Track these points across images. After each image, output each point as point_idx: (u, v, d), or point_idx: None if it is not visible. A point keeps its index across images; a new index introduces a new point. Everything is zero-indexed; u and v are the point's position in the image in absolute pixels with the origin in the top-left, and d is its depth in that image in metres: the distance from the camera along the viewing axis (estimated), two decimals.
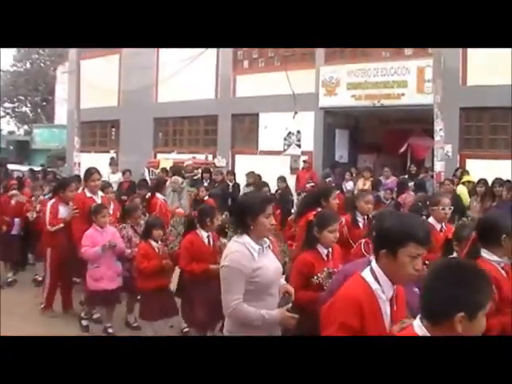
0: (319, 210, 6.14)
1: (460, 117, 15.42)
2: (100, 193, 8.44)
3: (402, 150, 17.98)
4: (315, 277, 4.78)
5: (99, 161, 18.45)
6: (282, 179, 14.58)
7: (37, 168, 20.75)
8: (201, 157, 19.46)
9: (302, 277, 4.91)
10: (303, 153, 17.82)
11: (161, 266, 6.72)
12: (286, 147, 18.24)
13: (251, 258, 3.77)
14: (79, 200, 8.20)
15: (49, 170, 17.42)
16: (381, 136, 19.04)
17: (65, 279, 8.35)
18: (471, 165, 14.69)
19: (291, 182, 16.06)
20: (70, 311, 8.28)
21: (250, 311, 3.71)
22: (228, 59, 19.85)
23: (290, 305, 3.90)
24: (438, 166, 13.90)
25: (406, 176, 15.03)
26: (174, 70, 19.36)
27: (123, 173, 15.99)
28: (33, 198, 10.70)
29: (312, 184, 14.24)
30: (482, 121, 15.52)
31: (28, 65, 43.17)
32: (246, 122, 19.91)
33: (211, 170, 15.21)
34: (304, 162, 17.05)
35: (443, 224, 6.25)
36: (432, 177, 13.66)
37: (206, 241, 6.41)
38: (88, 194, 8.22)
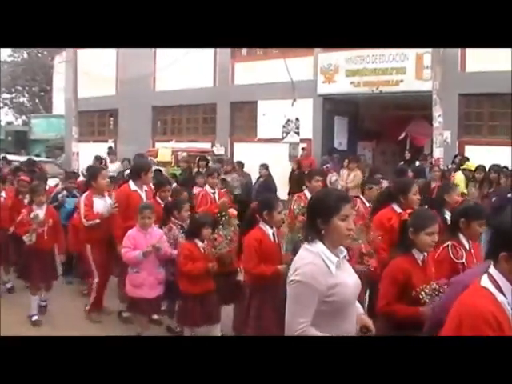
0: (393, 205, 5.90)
1: (459, 103, 15.39)
2: (145, 187, 7.55)
3: (402, 136, 17.95)
4: (422, 293, 4.04)
5: (98, 150, 18.41)
6: (264, 166, 14.53)
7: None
8: (203, 145, 19.38)
9: (397, 286, 4.18)
10: (302, 140, 17.76)
11: (207, 270, 6.08)
12: (284, 135, 18.18)
13: (327, 272, 3.06)
14: (122, 194, 7.43)
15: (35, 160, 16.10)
16: (380, 123, 19.01)
17: (104, 279, 7.50)
18: (470, 151, 14.64)
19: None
20: (100, 312, 7.53)
21: (317, 336, 3.03)
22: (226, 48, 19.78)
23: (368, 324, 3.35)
24: (437, 153, 13.91)
25: (402, 162, 15.05)
26: (172, 58, 19.26)
27: (122, 162, 15.95)
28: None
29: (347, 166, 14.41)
30: (481, 107, 15.50)
31: (25, 55, 42.96)
32: (244, 109, 19.86)
33: (208, 158, 15.16)
34: (303, 149, 17.04)
35: None
36: (431, 163, 13.63)
37: (271, 238, 5.64)
38: (133, 187, 7.39)
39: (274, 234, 5.63)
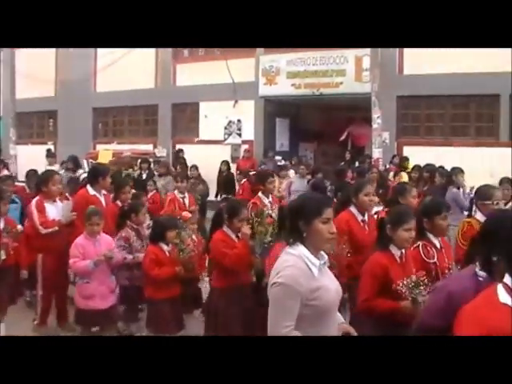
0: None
1: (397, 105, 15.74)
2: (103, 191, 7.30)
3: (343, 137, 18.20)
4: (400, 285, 4.05)
5: (37, 153, 17.98)
6: (194, 167, 14.15)
7: None
8: (145, 147, 19.12)
9: (376, 281, 4.22)
10: (244, 142, 17.86)
11: (174, 274, 5.95)
12: (226, 136, 18.21)
13: (310, 275, 3.03)
14: (81, 199, 7.09)
15: None
16: (321, 124, 19.22)
17: (60, 290, 7.12)
18: (408, 152, 14.97)
19: (232, 170, 16.15)
20: (66, 326, 7.08)
21: None
22: (168, 48, 19.62)
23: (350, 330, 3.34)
24: (376, 153, 14.19)
25: (343, 163, 15.25)
26: (113, 58, 18.99)
27: (61, 164, 15.59)
28: None
29: (253, 173, 14.20)
30: (418, 109, 15.86)
31: None
32: (186, 111, 19.72)
33: (150, 160, 14.97)
34: (245, 150, 17.06)
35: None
36: (370, 164, 13.87)
37: (236, 241, 5.59)
38: (91, 192, 7.13)
39: (238, 238, 5.58)
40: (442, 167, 11.52)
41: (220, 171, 15.85)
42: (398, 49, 15.36)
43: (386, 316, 4.10)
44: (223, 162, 16.10)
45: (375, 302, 4.17)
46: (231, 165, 16.52)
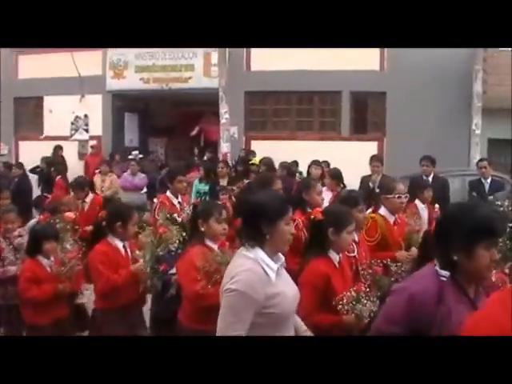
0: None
1: (245, 100, 15.99)
2: None
3: (194, 133, 18.21)
4: (340, 303, 3.70)
5: None
6: (18, 166, 13.36)
7: None
8: None
9: (317, 294, 3.81)
10: (91, 137, 17.31)
11: (57, 293, 4.95)
12: (73, 132, 17.54)
13: (267, 281, 2.80)
14: None
15: None
16: (171, 119, 19.12)
17: None
18: (256, 146, 15.27)
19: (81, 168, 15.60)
20: None
21: None
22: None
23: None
24: (224, 148, 14.33)
25: (196, 158, 15.29)
26: None
27: None
28: None
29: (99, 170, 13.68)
30: (265, 104, 16.23)
31: None
32: (29, 105, 18.71)
33: None
34: (92, 147, 16.49)
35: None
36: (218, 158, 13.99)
37: (122, 252, 4.88)
38: None
39: (125, 247, 4.91)
40: (295, 162, 11.93)
41: (40, 169, 14.56)
42: None
43: (331, 332, 3.72)
44: (42, 158, 14.83)
45: (317, 317, 3.74)
46: (80, 162, 15.96)
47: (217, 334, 2.80)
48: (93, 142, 16.94)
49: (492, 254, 2.46)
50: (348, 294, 3.71)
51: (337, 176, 7.63)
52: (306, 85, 15.02)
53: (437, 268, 2.55)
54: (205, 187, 9.95)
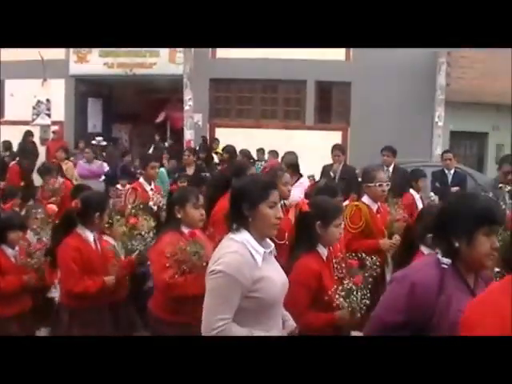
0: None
1: (210, 87, 15.89)
2: None
3: (160, 119, 18.04)
4: (337, 296, 3.54)
5: None
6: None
7: None
8: None
9: (309, 293, 3.66)
10: (54, 123, 16.90)
11: (22, 284, 4.76)
12: (34, 117, 17.20)
13: (253, 264, 2.75)
14: None
15: None
16: (136, 105, 18.86)
17: None
18: (220, 133, 15.22)
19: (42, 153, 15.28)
20: None
21: (242, 334, 2.72)
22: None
23: (295, 330, 3.06)
24: (188, 135, 14.23)
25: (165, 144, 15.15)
26: None
27: None
28: None
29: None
30: (229, 92, 16.14)
31: None
32: None
33: None
34: (53, 132, 16.16)
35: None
36: (181, 145, 13.93)
37: (93, 245, 4.57)
38: None
39: (95, 240, 4.61)
40: (261, 149, 11.91)
41: None
42: None
43: (324, 331, 3.57)
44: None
45: (310, 316, 3.62)
46: (41, 148, 15.63)
47: (203, 319, 2.74)
48: (55, 128, 16.62)
49: (492, 242, 2.46)
50: (342, 287, 3.57)
51: (292, 164, 7.36)
52: (271, 73, 14.99)
53: (438, 256, 2.55)
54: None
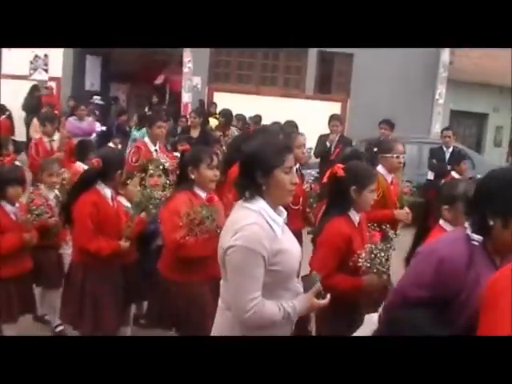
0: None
1: (210, 51, 15.65)
2: None
3: (159, 81, 17.85)
4: (360, 260, 3.52)
5: None
6: None
7: None
8: None
9: (338, 255, 3.62)
10: (51, 78, 16.68)
11: (22, 243, 4.54)
12: (32, 71, 16.95)
13: (273, 237, 2.57)
14: None
15: None
16: (135, 65, 18.60)
17: None
18: (218, 98, 15.07)
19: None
20: None
21: (275, 312, 2.58)
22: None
23: (320, 287, 2.82)
24: (186, 98, 14.12)
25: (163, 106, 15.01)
26: None
27: None
28: None
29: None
30: (229, 56, 15.94)
31: None
32: None
33: None
34: (46, 88, 15.86)
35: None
36: (179, 107, 13.81)
37: (110, 202, 4.45)
38: None
39: (113, 198, 4.49)
40: (259, 116, 11.80)
41: None
42: None
43: (348, 293, 3.58)
44: None
45: (337, 278, 3.56)
46: None
47: (233, 302, 2.62)
48: (52, 83, 16.40)
49: None
50: (365, 249, 3.56)
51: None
52: None
53: (468, 232, 2.43)
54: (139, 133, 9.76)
